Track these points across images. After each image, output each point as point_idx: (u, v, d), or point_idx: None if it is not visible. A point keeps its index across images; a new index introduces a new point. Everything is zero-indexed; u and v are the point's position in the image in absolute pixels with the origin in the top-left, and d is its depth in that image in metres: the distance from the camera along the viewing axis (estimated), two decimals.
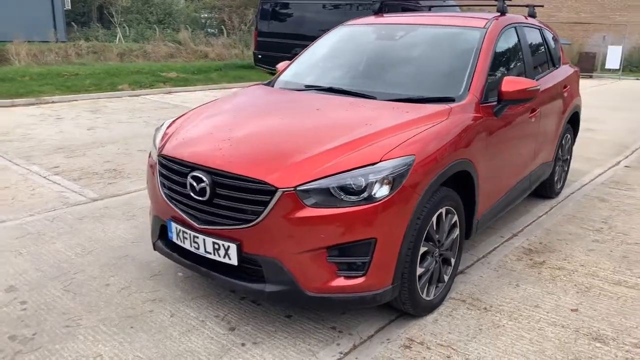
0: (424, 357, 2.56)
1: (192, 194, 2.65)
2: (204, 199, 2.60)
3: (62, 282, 3.20)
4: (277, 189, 2.41)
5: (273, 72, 14.95)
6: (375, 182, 2.40)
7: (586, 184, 5.61)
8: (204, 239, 2.63)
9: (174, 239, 2.81)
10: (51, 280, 3.22)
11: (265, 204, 2.44)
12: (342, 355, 2.58)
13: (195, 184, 2.62)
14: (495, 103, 3.28)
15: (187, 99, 11.15)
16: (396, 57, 3.67)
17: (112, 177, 5.37)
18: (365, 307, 2.86)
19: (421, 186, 2.55)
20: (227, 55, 21.17)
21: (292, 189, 2.40)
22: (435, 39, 3.71)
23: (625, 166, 6.48)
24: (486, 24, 3.67)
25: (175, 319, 2.85)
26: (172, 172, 2.79)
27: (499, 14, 3.92)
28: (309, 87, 3.61)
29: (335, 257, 2.44)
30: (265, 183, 2.43)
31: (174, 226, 2.78)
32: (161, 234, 3.00)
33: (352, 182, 2.40)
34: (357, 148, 2.56)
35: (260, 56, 15.70)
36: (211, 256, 2.63)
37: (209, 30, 31.25)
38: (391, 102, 3.14)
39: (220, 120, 3.14)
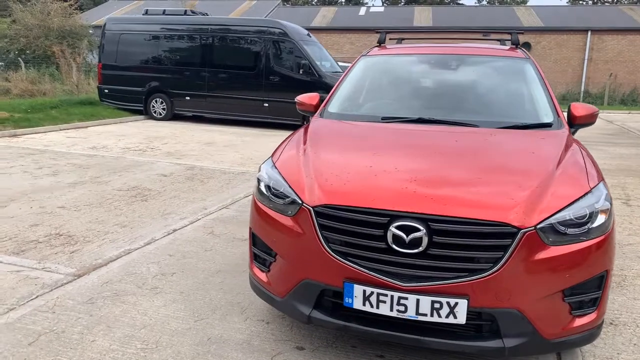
0: None
1: (395, 247, 2.22)
2: (417, 251, 2.20)
3: None
4: (519, 229, 2.16)
5: (123, 108, 13.69)
6: (598, 212, 2.33)
7: None
8: (416, 299, 2.21)
9: (358, 306, 2.30)
10: None
11: (504, 248, 2.17)
12: None
13: (403, 235, 2.20)
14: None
15: (48, 142, 9.38)
16: (464, 86, 3.65)
17: (67, 244, 4.19)
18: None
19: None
20: (37, 91, 18.43)
21: (533, 228, 2.19)
22: (490, 68, 3.81)
23: None
24: (524, 54, 3.91)
25: None
26: (354, 224, 2.30)
27: (515, 45, 4.20)
28: (387, 119, 3.36)
29: (571, 296, 2.28)
30: (506, 224, 2.17)
31: (359, 289, 2.28)
32: (317, 303, 2.44)
33: (575, 215, 2.29)
34: (557, 179, 2.45)
35: (106, 91, 14.15)
36: (426, 318, 2.23)
37: None
38: (504, 129, 3.11)
39: (363, 159, 2.71)
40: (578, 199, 2.32)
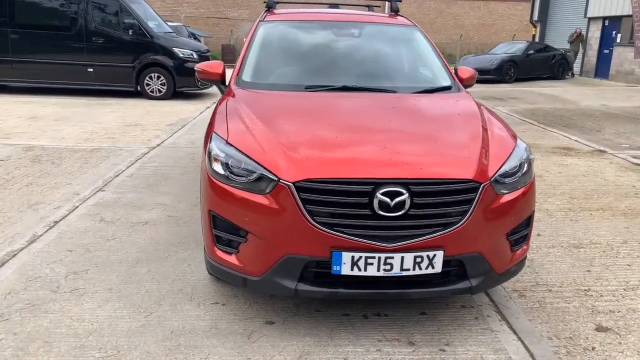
0: (543, 297, 3.14)
1: (380, 212, 2.36)
2: (400, 213, 2.37)
3: None
4: (480, 184, 2.47)
5: None
6: (525, 163, 2.77)
7: None
8: (401, 257, 2.40)
9: (346, 271, 2.40)
10: None
11: (469, 202, 2.46)
12: (506, 322, 2.86)
13: (388, 200, 2.34)
14: None
15: None
16: (371, 53, 3.82)
17: None
18: None
19: None
20: None
21: (489, 181, 2.52)
22: (387, 35, 4.04)
23: None
24: (410, 22, 4.25)
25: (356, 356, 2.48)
26: (339, 195, 2.35)
27: (394, 12, 4.53)
28: (311, 88, 3.39)
29: (511, 235, 2.69)
30: (471, 181, 2.45)
31: (348, 256, 2.38)
32: (301, 276, 2.46)
33: (509, 168, 2.67)
34: (489, 136, 2.82)
35: None
36: (409, 272, 2.43)
37: None
38: (419, 94, 3.41)
39: (323, 129, 2.73)
40: (511, 153, 2.73)
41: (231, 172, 2.55)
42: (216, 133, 2.79)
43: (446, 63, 3.86)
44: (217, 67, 3.75)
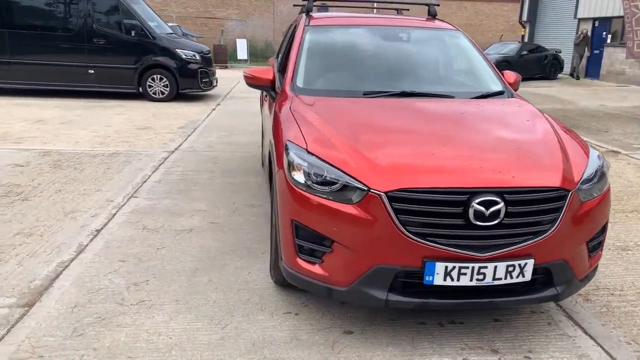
0: (608, 301, 3.16)
1: (475, 221, 2.34)
2: (494, 222, 2.36)
3: None
4: (568, 191, 2.48)
5: None
6: (601, 169, 2.78)
7: None
8: (494, 266, 2.39)
9: (439, 282, 2.39)
10: None
11: (559, 209, 2.47)
12: (580, 327, 2.88)
13: (484, 209, 2.33)
14: None
15: None
16: (423, 57, 3.81)
17: None
18: None
19: None
20: None
21: (575, 189, 2.53)
22: (435, 38, 4.04)
23: None
24: (451, 26, 4.25)
25: None
26: (432, 204, 2.34)
27: (432, 16, 4.52)
28: (369, 94, 3.37)
29: (590, 241, 2.70)
30: (561, 189, 2.46)
31: (441, 266, 2.36)
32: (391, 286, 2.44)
33: (588, 175, 2.67)
34: (565, 144, 2.83)
35: None
36: (501, 281, 2.43)
37: None
38: (479, 99, 3.42)
39: (402, 137, 2.74)
40: (588, 160, 2.74)
41: (314, 182, 2.51)
42: (292, 142, 2.73)
43: (494, 67, 3.86)
44: (267, 73, 3.70)
